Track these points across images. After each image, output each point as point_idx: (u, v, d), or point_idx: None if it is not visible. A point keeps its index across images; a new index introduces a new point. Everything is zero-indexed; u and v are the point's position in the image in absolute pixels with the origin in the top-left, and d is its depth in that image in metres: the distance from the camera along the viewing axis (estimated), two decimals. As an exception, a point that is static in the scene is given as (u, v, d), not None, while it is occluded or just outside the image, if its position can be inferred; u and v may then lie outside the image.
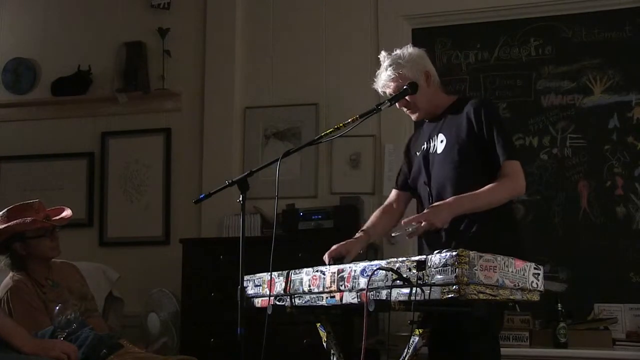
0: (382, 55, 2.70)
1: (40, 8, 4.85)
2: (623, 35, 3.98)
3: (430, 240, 2.53)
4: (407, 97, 2.60)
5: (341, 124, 2.49)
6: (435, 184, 2.60)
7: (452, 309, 1.97)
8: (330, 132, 2.50)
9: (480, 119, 2.52)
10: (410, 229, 2.33)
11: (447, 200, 2.42)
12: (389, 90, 2.65)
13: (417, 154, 2.72)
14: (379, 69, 2.70)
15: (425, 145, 2.68)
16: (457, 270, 1.77)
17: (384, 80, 2.66)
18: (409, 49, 2.68)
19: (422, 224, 2.31)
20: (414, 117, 2.74)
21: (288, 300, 2.31)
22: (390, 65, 2.63)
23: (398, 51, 2.68)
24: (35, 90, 4.77)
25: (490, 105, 2.66)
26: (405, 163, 2.84)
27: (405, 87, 2.58)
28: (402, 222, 2.38)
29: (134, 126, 4.55)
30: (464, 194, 2.41)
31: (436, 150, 2.61)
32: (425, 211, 2.40)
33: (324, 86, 4.29)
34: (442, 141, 2.60)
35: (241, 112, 4.40)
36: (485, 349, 2.41)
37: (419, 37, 4.19)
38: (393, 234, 2.48)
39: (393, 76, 2.61)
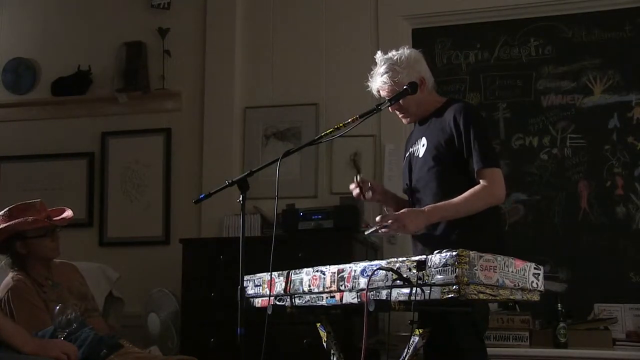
0: (379, 56, 2.69)
1: (40, 8, 4.85)
2: (623, 35, 3.98)
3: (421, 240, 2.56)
4: (400, 101, 2.60)
5: (341, 124, 2.50)
6: (414, 188, 2.63)
7: (452, 309, 1.97)
8: (330, 132, 2.50)
9: (458, 125, 2.51)
10: (380, 228, 2.36)
11: (425, 207, 2.43)
12: (383, 93, 2.65)
13: (407, 155, 2.75)
14: (374, 68, 2.70)
15: (412, 149, 2.71)
16: (457, 270, 1.77)
17: (379, 84, 2.66)
18: (405, 52, 2.66)
19: (393, 223, 2.33)
20: (405, 121, 2.76)
21: (288, 300, 2.32)
22: (386, 72, 2.62)
23: (395, 53, 2.65)
24: (35, 90, 4.77)
25: (470, 111, 2.57)
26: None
27: (405, 87, 2.58)
28: (377, 219, 2.39)
29: (134, 126, 4.55)
30: (442, 203, 2.42)
31: (418, 154, 2.63)
32: (401, 211, 2.41)
33: (324, 86, 4.29)
34: (423, 145, 2.61)
35: (241, 112, 4.40)
36: (473, 348, 2.42)
37: (419, 37, 4.20)
38: (366, 232, 2.47)
39: (389, 83, 2.62)
